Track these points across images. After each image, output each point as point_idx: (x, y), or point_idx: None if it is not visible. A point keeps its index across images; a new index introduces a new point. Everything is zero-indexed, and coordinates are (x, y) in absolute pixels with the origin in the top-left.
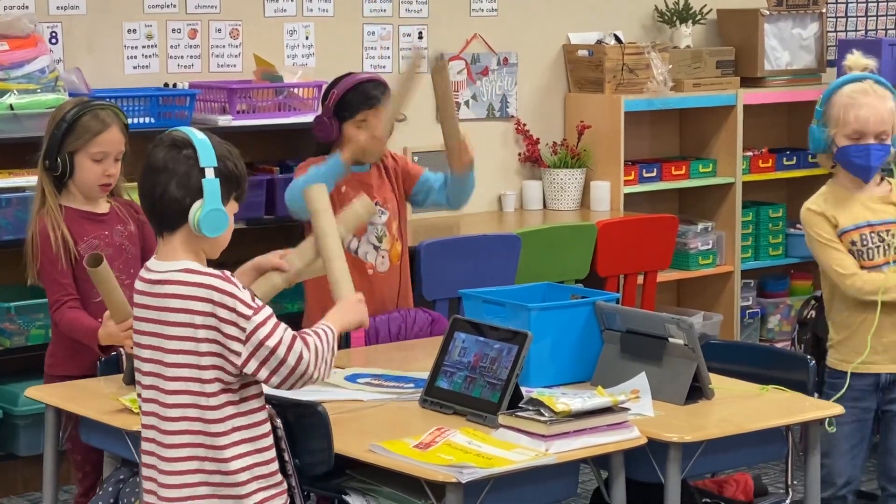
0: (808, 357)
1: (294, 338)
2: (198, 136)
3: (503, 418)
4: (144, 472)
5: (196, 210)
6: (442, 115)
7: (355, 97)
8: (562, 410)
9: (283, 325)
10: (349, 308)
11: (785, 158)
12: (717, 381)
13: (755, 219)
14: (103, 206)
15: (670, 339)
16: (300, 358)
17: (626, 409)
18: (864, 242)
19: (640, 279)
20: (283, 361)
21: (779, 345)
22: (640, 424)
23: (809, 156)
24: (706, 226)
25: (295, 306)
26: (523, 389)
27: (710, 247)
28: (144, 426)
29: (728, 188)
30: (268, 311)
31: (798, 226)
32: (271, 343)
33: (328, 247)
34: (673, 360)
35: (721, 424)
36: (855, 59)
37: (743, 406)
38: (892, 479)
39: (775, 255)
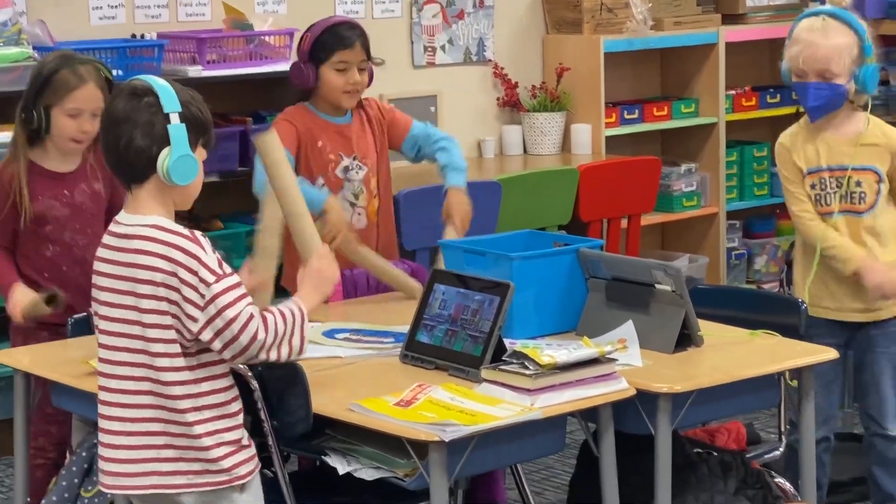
0: (800, 300)
1: (251, 316)
2: (158, 83)
3: (486, 372)
4: (103, 437)
5: (164, 158)
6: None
7: (330, 38)
8: (547, 363)
9: (246, 299)
10: (318, 276)
11: (769, 96)
12: (705, 328)
13: (739, 158)
14: (71, 164)
15: (657, 286)
16: (254, 338)
17: (614, 360)
18: (823, 186)
19: (624, 223)
20: (235, 337)
21: (766, 286)
22: (627, 375)
23: (793, 93)
24: (690, 167)
25: None
26: (506, 341)
27: (694, 188)
28: (102, 388)
29: (711, 128)
30: (233, 279)
31: None
32: (229, 314)
33: (290, 202)
34: (660, 308)
35: (711, 373)
36: None
37: (733, 353)
38: (873, 417)
39: (761, 195)
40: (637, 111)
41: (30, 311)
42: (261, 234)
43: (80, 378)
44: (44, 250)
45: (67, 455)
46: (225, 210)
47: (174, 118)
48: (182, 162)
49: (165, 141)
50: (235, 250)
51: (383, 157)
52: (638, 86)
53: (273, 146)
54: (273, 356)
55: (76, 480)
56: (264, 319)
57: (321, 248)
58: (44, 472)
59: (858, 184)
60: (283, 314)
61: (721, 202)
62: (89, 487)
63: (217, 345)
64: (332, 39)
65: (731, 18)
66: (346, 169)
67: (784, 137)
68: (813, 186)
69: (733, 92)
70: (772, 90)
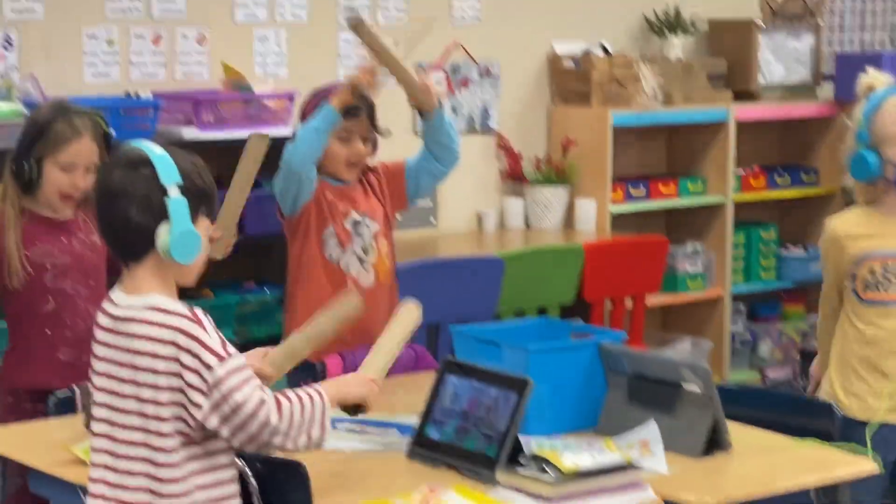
0: (833, 404)
1: (262, 402)
2: (155, 152)
3: (502, 476)
4: None
5: (164, 234)
6: (393, 71)
7: None
8: (569, 468)
9: (254, 382)
10: (360, 381)
11: (778, 177)
12: (733, 430)
13: (746, 240)
14: (67, 213)
15: (684, 386)
16: (265, 424)
17: (640, 468)
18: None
19: (629, 303)
20: (244, 423)
21: (770, 373)
22: (653, 482)
23: (802, 174)
24: (695, 247)
25: (262, 331)
26: (522, 439)
27: (699, 269)
28: (92, 479)
29: (719, 208)
30: (238, 361)
31: (791, 247)
32: (236, 399)
33: (387, 341)
34: (687, 409)
35: (743, 484)
36: (873, 76)
37: (764, 460)
38: None
39: (767, 279)
40: (643, 188)
41: None
42: (296, 334)
43: (63, 466)
44: (42, 304)
45: None
46: (216, 277)
47: (173, 191)
48: (183, 238)
49: (164, 215)
50: (224, 321)
51: (391, 217)
52: (644, 161)
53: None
54: (290, 446)
55: None
56: (278, 404)
57: (378, 381)
58: None
59: None
60: (301, 400)
61: (726, 284)
62: None
63: (225, 432)
64: None
65: (742, 96)
66: (356, 223)
67: (841, 221)
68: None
69: (741, 171)
70: (780, 170)
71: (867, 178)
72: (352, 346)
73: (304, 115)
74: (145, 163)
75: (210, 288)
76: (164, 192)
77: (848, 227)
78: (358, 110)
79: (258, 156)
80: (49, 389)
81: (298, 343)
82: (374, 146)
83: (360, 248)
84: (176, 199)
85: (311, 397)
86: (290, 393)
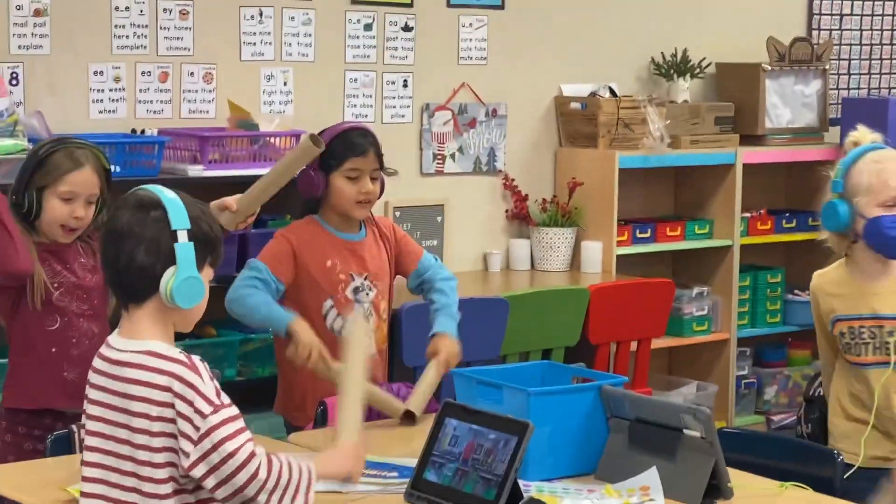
0: (836, 452)
1: (252, 454)
2: (167, 195)
3: None
4: None
5: (168, 278)
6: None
7: (341, 145)
8: None
9: (246, 433)
10: (343, 455)
11: (784, 221)
12: (733, 477)
13: (753, 283)
14: (66, 240)
15: (685, 431)
16: (253, 476)
17: None
18: (858, 335)
19: (634, 346)
20: (232, 474)
21: (775, 418)
22: None
23: (810, 219)
24: (701, 290)
25: (266, 371)
26: (521, 483)
27: (705, 313)
28: None
29: (725, 251)
30: (232, 411)
31: (797, 292)
32: (227, 448)
33: (348, 388)
34: (688, 455)
35: None
36: (861, 132)
37: None
38: None
39: (773, 323)
40: (650, 230)
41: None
42: (259, 181)
43: None
44: (49, 323)
45: None
46: (219, 316)
47: (182, 236)
48: (187, 284)
49: (171, 259)
50: (227, 359)
51: (392, 280)
52: (650, 204)
53: (361, 337)
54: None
55: None
56: (269, 461)
57: (361, 442)
58: None
59: (891, 334)
60: (290, 466)
61: (732, 328)
62: None
63: (210, 482)
64: (344, 146)
65: (749, 139)
66: (357, 290)
67: (821, 278)
68: (842, 334)
69: (748, 215)
70: (787, 214)
71: (836, 228)
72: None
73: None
74: (156, 205)
75: (213, 326)
76: (172, 236)
77: (824, 283)
78: (366, 148)
79: (306, 158)
80: (52, 409)
81: (261, 185)
82: (382, 186)
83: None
84: (184, 244)
85: (299, 467)
86: (281, 456)
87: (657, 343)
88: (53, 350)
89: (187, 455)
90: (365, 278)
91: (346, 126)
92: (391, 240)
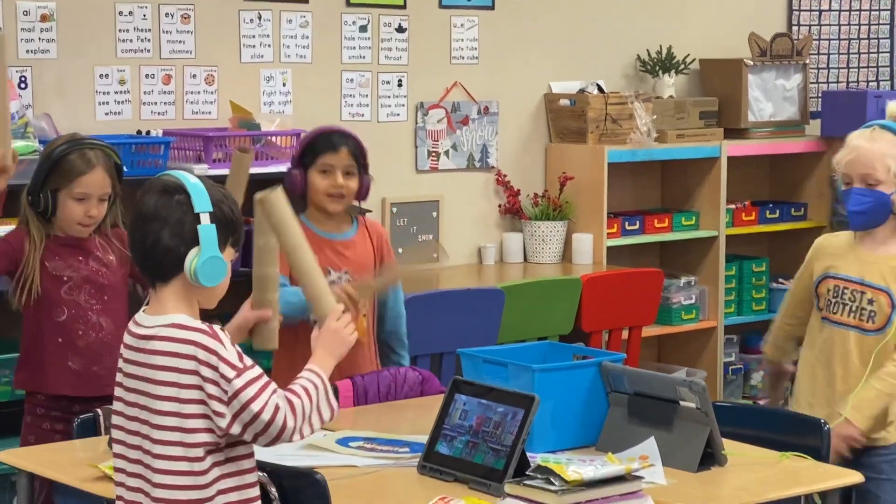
0: (823, 421)
1: (277, 407)
2: (190, 181)
3: (510, 487)
4: None
5: (192, 258)
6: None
7: (317, 143)
8: (573, 479)
9: (270, 387)
10: (334, 337)
11: (768, 211)
12: (728, 447)
13: (738, 273)
14: (84, 234)
15: (681, 403)
16: (283, 427)
17: (640, 478)
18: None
19: (625, 334)
20: (266, 427)
21: (762, 402)
22: (652, 493)
23: (792, 208)
24: (689, 280)
25: (269, 363)
26: (527, 455)
27: (692, 301)
28: (120, 499)
29: (711, 241)
30: (255, 371)
31: (781, 280)
32: (255, 407)
33: (301, 258)
34: (684, 425)
35: (738, 494)
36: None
37: (758, 474)
38: None
39: (758, 310)
40: (638, 222)
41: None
42: (256, 263)
43: (88, 482)
44: (56, 315)
45: None
46: (227, 310)
47: (205, 218)
48: (210, 263)
49: (194, 241)
50: None
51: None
52: (638, 197)
53: (280, 204)
54: (307, 432)
55: None
56: (291, 406)
57: (336, 308)
58: None
59: (871, 302)
60: (307, 391)
61: (719, 316)
62: None
63: (248, 436)
64: (319, 143)
65: (733, 133)
66: (332, 284)
67: (822, 238)
68: (828, 290)
69: (733, 206)
70: (771, 205)
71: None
72: (359, 372)
73: (293, 155)
74: (181, 190)
75: (221, 319)
76: (196, 218)
77: (830, 244)
78: (338, 146)
79: (243, 166)
80: (61, 395)
81: (265, 271)
82: (362, 185)
83: None
84: (206, 226)
85: (312, 384)
86: (296, 387)
87: (647, 331)
88: (60, 340)
89: (222, 416)
90: (344, 272)
91: (326, 128)
92: (381, 248)
